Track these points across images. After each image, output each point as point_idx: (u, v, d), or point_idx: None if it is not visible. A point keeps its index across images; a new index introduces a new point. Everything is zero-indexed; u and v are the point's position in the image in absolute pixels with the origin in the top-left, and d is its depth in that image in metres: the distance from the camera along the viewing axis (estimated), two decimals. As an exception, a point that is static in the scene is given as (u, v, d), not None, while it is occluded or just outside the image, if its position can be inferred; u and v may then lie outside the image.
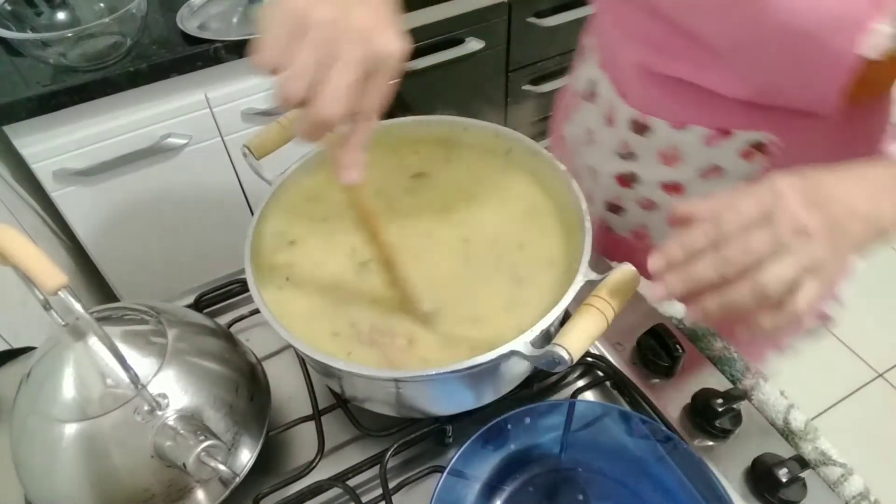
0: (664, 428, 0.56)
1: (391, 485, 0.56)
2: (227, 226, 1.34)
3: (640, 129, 0.67)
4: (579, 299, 0.48)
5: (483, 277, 0.57)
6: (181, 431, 0.48)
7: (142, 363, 0.50)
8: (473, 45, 1.41)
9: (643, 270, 0.76)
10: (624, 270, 0.48)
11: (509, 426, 0.54)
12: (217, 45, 1.12)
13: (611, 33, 0.68)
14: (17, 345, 0.97)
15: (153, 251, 1.36)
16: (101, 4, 1.19)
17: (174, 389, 0.50)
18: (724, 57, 0.56)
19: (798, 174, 0.43)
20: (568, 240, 0.58)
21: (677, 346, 0.63)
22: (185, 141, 1.21)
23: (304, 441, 0.61)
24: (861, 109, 0.58)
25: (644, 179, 0.71)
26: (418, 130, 0.68)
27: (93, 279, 1.39)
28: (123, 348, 0.48)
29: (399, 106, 1.60)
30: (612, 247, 0.80)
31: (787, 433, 0.60)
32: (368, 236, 0.51)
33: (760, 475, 0.56)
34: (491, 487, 0.55)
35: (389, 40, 0.39)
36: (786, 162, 0.61)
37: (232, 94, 1.20)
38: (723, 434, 0.59)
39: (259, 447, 0.55)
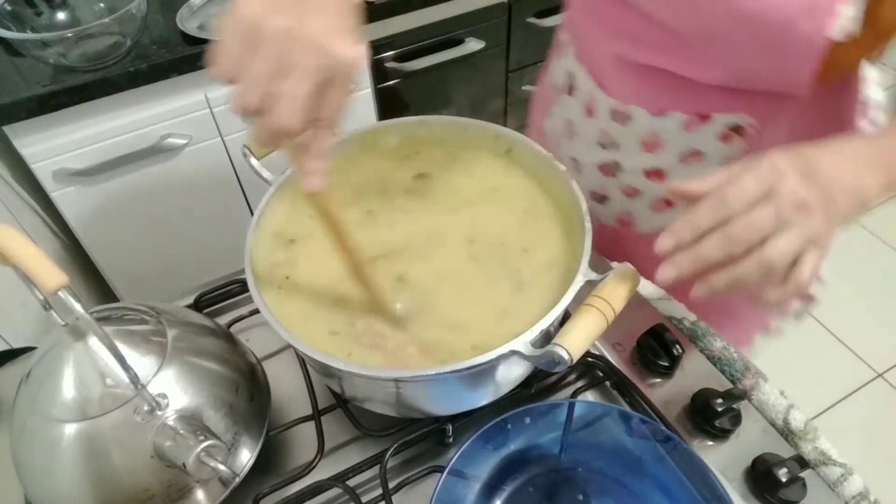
0: (664, 428, 0.56)
1: (391, 485, 0.56)
2: (227, 226, 1.34)
3: (620, 118, 0.68)
4: (579, 299, 0.48)
5: (487, 280, 0.56)
6: (181, 431, 0.48)
7: (142, 363, 0.50)
8: (473, 45, 1.42)
9: (630, 257, 0.78)
10: (624, 271, 0.48)
11: (509, 426, 0.54)
12: (217, 45, 1.11)
13: (586, 26, 0.68)
14: (17, 345, 0.97)
15: (153, 251, 1.36)
16: (101, 4, 1.20)
17: (174, 389, 0.50)
18: (698, 46, 0.57)
19: (790, 151, 0.45)
20: (568, 240, 0.58)
21: (677, 346, 0.63)
22: (185, 141, 1.21)
23: (304, 441, 0.61)
24: (831, 89, 0.60)
25: (627, 168, 0.71)
26: (418, 131, 0.68)
27: (93, 279, 1.39)
28: (123, 348, 0.48)
29: (399, 106, 1.60)
30: (598, 236, 0.81)
31: (786, 433, 0.60)
32: (335, 241, 0.51)
33: (760, 475, 0.56)
34: (491, 487, 0.55)
35: (345, 49, 0.38)
36: (762, 142, 0.63)
37: (232, 94, 1.20)
38: (722, 434, 0.59)
39: (259, 447, 0.55)
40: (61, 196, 1.19)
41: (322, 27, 0.37)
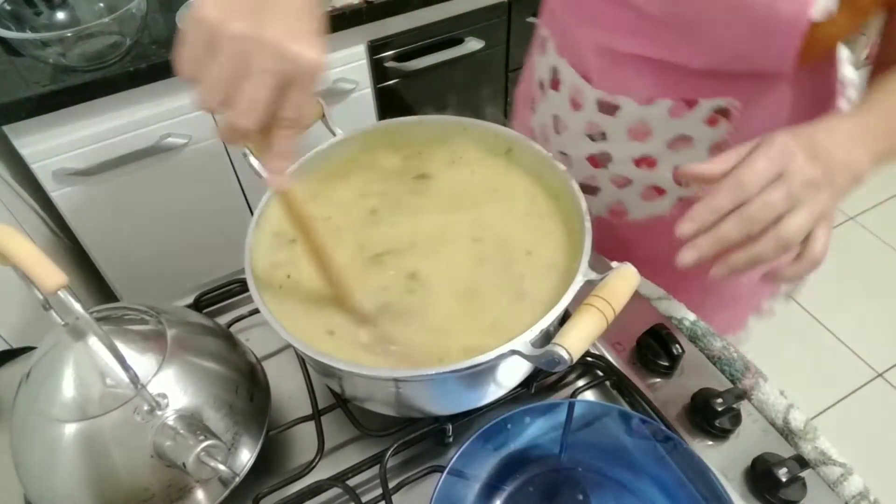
0: (664, 428, 0.56)
1: (391, 484, 0.56)
2: (227, 226, 1.34)
3: (608, 109, 0.68)
4: (579, 299, 0.48)
5: (492, 287, 0.56)
6: (181, 431, 0.48)
7: (141, 363, 0.50)
8: (473, 44, 1.41)
9: (624, 247, 0.78)
10: (623, 270, 0.48)
11: (509, 426, 0.54)
12: (217, 44, 1.11)
13: (568, 19, 0.69)
14: (17, 345, 0.97)
15: (153, 251, 1.35)
16: (101, 4, 1.19)
17: (174, 389, 0.50)
18: (682, 33, 0.58)
19: (792, 133, 0.48)
20: (568, 239, 0.58)
21: (677, 345, 0.63)
22: (184, 141, 1.21)
23: (303, 441, 0.61)
24: (810, 68, 0.61)
25: (616, 158, 0.72)
26: (419, 131, 0.68)
27: (93, 279, 1.39)
28: (123, 348, 0.48)
29: (399, 106, 1.60)
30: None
31: (786, 433, 0.60)
32: (302, 238, 0.51)
33: (760, 475, 0.56)
34: (491, 487, 0.55)
35: (305, 51, 0.39)
36: (747, 124, 0.64)
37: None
38: (722, 434, 0.59)
39: (259, 447, 0.55)
40: (61, 196, 1.19)
41: (281, 31, 0.38)
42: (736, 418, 0.60)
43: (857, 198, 1.94)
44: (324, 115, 0.64)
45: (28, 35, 1.08)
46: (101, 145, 1.15)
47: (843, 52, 0.69)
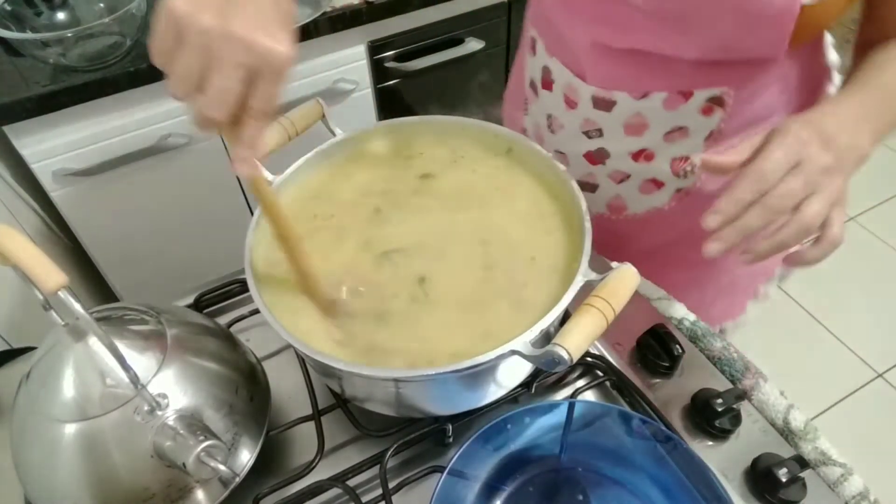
0: (664, 428, 0.56)
1: (391, 485, 0.56)
2: (227, 226, 1.34)
3: (603, 105, 0.69)
4: (579, 299, 0.48)
5: (493, 295, 0.55)
6: (181, 431, 0.48)
7: (141, 363, 0.50)
8: (473, 45, 1.41)
9: (623, 243, 0.78)
10: (623, 270, 0.48)
11: (509, 426, 0.54)
12: (217, 45, 1.11)
13: (559, 18, 0.69)
14: (17, 345, 0.97)
15: (153, 251, 1.35)
16: (101, 4, 1.19)
17: (174, 389, 0.50)
18: (674, 24, 0.58)
19: (802, 120, 0.51)
20: (569, 239, 0.58)
21: (677, 346, 0.63)
22: (184, 141, 1.21)
23: (303, 441, 0.61)
24: (799, 52, 0.63)
25: (614, 153, 0.72)
26: (419, 131, 0.68)
27: (93, 279, 1.39)
28: (123, 348, 0.48)
29: (399, 106, 1.59)
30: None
31: (786, 433, 0.60)
32: (271, 225, 0.52)
33: (760, 475, 0.56)
34: (491, 487, 0.55)
35: (272, 44, 0.39)
36: (740, 109, 0.65)
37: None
38: (722, 434, 0.59)
39: (259, 447, 0.55)
40: (61, 196, 1.19)
41: (249, 24, 0.39)
42: (736, 418, 0.60)
43: (857, 198, 1.94)
44: (324, 116, 0.65)
45: (28, 35, 1.08)
46: (101, 145, 1.15)
47: (828, 37, 0.70)
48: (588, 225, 0.54)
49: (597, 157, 0.73)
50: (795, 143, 0.49)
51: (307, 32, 1.18)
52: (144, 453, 0.48)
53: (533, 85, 0.77)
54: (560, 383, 0.65)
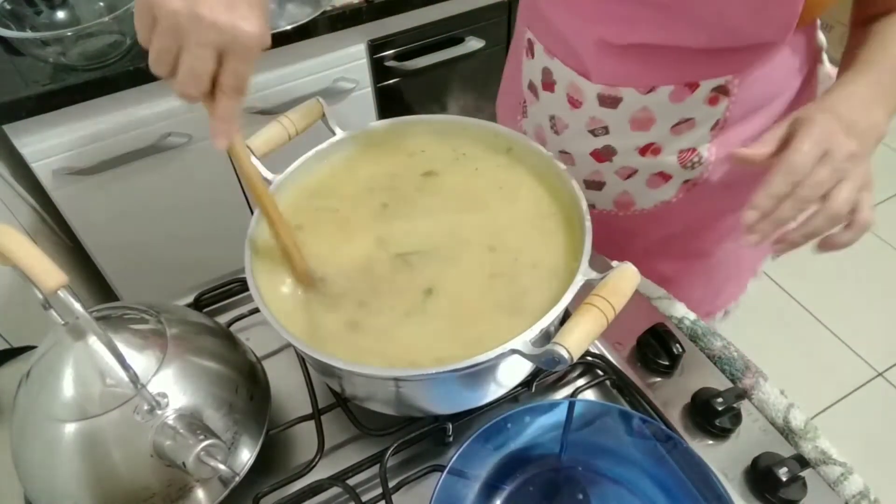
0: (664, 427, 0.56)
1: (391, 484, 0.56)
2: (227, 225, 1.33)
3: (610, 102, 0.68)
4: (579, 299, 0.48)
5: (492, 306, 0.55)
6: (181, 431, 0.48)
7: (141, 362, 0.50)
8: (473, 44, 1.41)
9: (632, 236, 0.78)
10: (624, 269, 0.48)
11: (509, 425, 0.54)
12: (217, 44, 1.11)
13: (560, 18, 0.69)
14: (17, 344, 0.97)
15: (153, 250, 1.35)
16: (101, 3, 1.19)
17: (174, 389, 0.50)
18: (680, 12, 0.58)
19: (823, 109, 0.52)
20: (570, 238, 0.58)
21: (677, 345, 0.63)
22: (185, 140, 1.21)
23: (303, 440, 0.61)
24: (798, 36, 0.64)
25: (621, 150, 0.72)
26: (419, 129, 0.68)
27: (93, 279, 1.39)
28: (123, 348, 0.48)
29: (399, 105, 1.59)
30: (595, 223, 0.82)
31: (786, 432, 0.60)
32: (253, 197, 0.54)
33: (760, 474, 0.56)
34: (491, 487, 0.55)
35: (239, 23, 0.41)
36: (743, 96, 0.66)
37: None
38: (723, 433, 0.59)
39: (259, 446, 0.55)
40: (61, 195, 1.19)
41: (216, 4, 0.41)
42: (736, 418, 0.60)
43: (857, 197, 1.93)
44: (324, 115, 0.64)
45: (28, 34, 1.08)
46: (101, 144, 1.15)
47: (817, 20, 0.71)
48: (588, 224, 0.54)
49: (603, 154, 0.73)
50: (822, 133, 0.50)
51: (307, 31, 1.17)
52: (144, 452, 0.48)
53: (532, 87, 0.77)
54: (560, 382, 0.65)
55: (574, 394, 0.63)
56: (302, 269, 0.56)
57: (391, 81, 1.39)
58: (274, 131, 0.61)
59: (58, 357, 0.49)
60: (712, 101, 0.65)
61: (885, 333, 1.75)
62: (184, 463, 0.47)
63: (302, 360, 0.66)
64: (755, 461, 0.57)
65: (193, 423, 0.49)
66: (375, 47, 1.30)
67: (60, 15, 1.18)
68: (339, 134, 0.65)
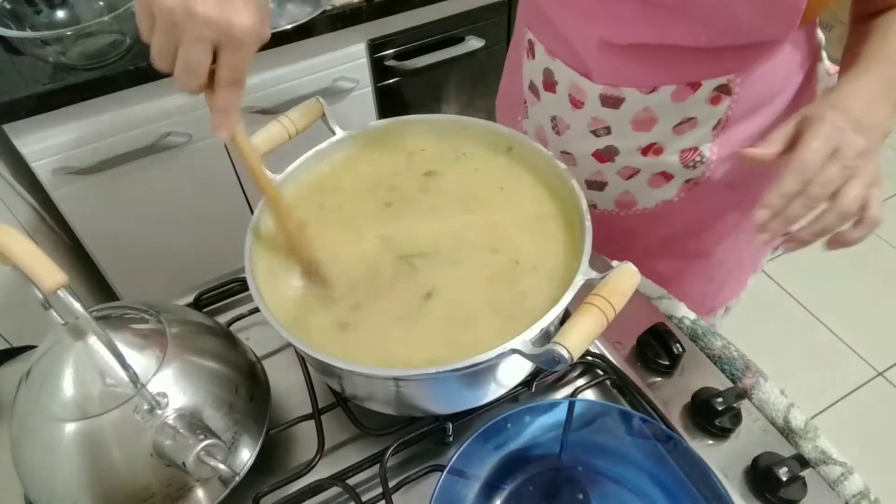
0: (664, 427, 0.56)
1: (391, 484, 0.56)
2: (227, 225, 1.34)
3: (612, 102, 0.68)
4: (579, 298, 0.48)
5: (490, 311, 0.55)
6: (181, 430, 0.48)
7: (141, 362, 0.50)
8: (473, 43, 1.41)
9: (633, 236, 0.78)
10: (624, 269, 0.48)
11: (509, 425, 0.54)
12: (217, 43, 1.11)
13: (561, 19, 0.68)
14: (17, 344, 0.97)
15: (153, 250, 1.35)
16: (101, 3, 1.19)
17: (174, 388, 0.50)
18: (683, 11, 0.58)
19: (831, 106, 0.52)
20: (570, 238, 0.58)
21: (677, 344, 0.63)
22: (185, 139, 1.21)
23: (303, 440, 0.61)
24: (799, 33, 0.64)
25: (623, 150, 0.72)
26: (419, 129, 0.68)
27: (93, 278, 1.39)
28: (123, 347, 0.48)
29: (399, 104, 1.59)
30: (596, 224, 0.82)
31: (787, 432, 0.60)
32: (257, 185, 0.55)
33: (760, 474, 0.56)
34: (491, 486, 0.55)
35: (233, 17, 0.43)
36: (744, 95, 0.66)
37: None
38: (723, 433, 0.59)
39: (259, 446, 0.55)
40: (61, 194, 1.19)
41: (209, 2, 0.42)
42: (736, 417, 0.60)
43: (857, 197, 1.93)
44: (324, 114, 0.64)
45: (28, 34, 1.08)
46: (101, 144, 1.15)
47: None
48: (588, 224, 0.54)
49: (605, 154, 0.73)
50: (831, 131, 0.50)
51: (307, 31, 1.17)
52: (144, 452, 0.48)
53: (533, 88, 0.77)
54: (560, 382, 0.65)
55: (574, 393, 0.63)
56: (307, 257, 0.57)
57: (391, 81, 1.39)
58: (274, 131, 0.61)
59: (58, 357, 0.49)
60: (714, 100, 0.65)
61: (885, 333, 1.75)
62: (184, 463, 0.47)
63: (302, 359, 0.66)
64: (755, 461, 0.57)
65: (193, 422, 0.49)
66: (375, 47, 1.30)
67: (60, 14, 1.18)
68: (339, 133, 0.65)
